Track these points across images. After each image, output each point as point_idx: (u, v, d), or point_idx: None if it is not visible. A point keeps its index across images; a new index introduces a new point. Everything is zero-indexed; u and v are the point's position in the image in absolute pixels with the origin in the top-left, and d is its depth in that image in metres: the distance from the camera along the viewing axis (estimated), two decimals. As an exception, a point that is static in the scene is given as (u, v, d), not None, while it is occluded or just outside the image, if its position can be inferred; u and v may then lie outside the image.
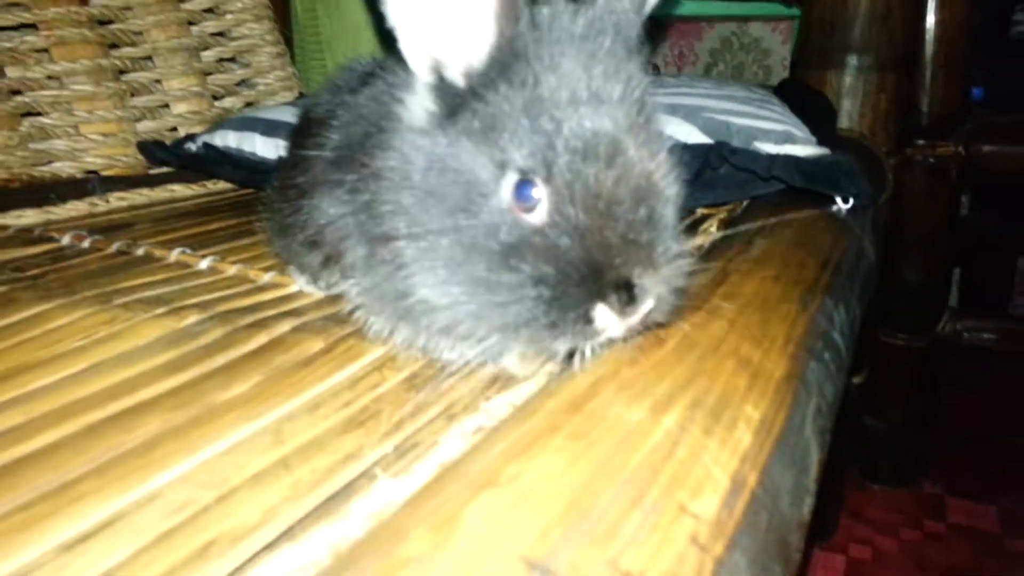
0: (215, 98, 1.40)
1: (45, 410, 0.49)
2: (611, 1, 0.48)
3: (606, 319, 0.41)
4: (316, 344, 0.58)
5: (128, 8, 1.25)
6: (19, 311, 0.65)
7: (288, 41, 1.60)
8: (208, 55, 1.39)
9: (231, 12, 1.42)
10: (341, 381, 0.51)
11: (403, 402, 0.48)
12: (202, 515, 0.37)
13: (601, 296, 0.40)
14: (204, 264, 0.78)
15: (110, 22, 1.23)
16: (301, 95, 1.51)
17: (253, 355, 0.57)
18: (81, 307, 0.66)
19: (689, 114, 0.93)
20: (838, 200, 0.80)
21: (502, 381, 0.50)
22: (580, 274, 0.40)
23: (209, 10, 1.40)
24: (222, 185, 1.19)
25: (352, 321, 0.60)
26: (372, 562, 0.27)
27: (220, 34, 1.43)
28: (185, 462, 0.41)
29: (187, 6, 1.36)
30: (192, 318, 0.63)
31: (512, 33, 0.45)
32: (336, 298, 0.65)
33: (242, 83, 1.46)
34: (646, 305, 0.41)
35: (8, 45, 1.09)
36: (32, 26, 1.12)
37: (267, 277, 0.74)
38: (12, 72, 1.08)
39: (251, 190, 1.13)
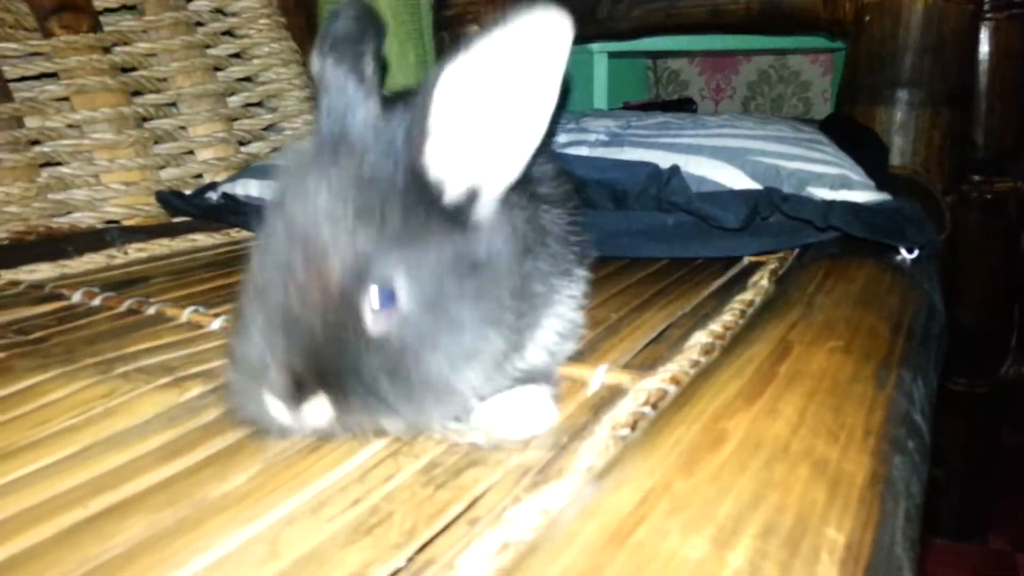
0: (241, 144, 1.37)
1: (23, 506, 0.44)
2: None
3: (276, 409, 0.44)
4: None
5: (152, 55, 1.24)
6: (14, 382, 0.61)
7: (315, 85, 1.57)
8: (234, 100, 1.37)
9: (258, 57, 1.40)
10: (351, 471, 0.46)
11: (419, 500, 0.42)
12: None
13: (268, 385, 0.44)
14: (216, 325, 0.74)
15: (133, 69, 1.21)
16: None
17: (255, 437, 0.51)
18: (80, 377, 0.61)
19: (733, 157, 0.87)
20: (902, 250, 0.73)
21: (532, 476, 0.43)
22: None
23: (236, 55, 1.38)
24: (245, 233, 1.16)
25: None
26: None
27: (247, 79, 1.41)
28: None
29: (213, 51, 1.34)
30: (195, 390, 0.58)
31: None
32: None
33: (269, 128, 1.43)
34: (312, 404, 0.44)
35: (28, 95, 1.07)
36: (53, 75, 1.10)
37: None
38: (31, 122, 1.06)
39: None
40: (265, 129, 1.42)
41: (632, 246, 0.88)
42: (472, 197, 0.47)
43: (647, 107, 2.30)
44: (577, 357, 0.59)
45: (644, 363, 0.60)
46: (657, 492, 0.33)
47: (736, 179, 0.83)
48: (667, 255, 0.90)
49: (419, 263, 0.44)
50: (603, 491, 0.34)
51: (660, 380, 0.53)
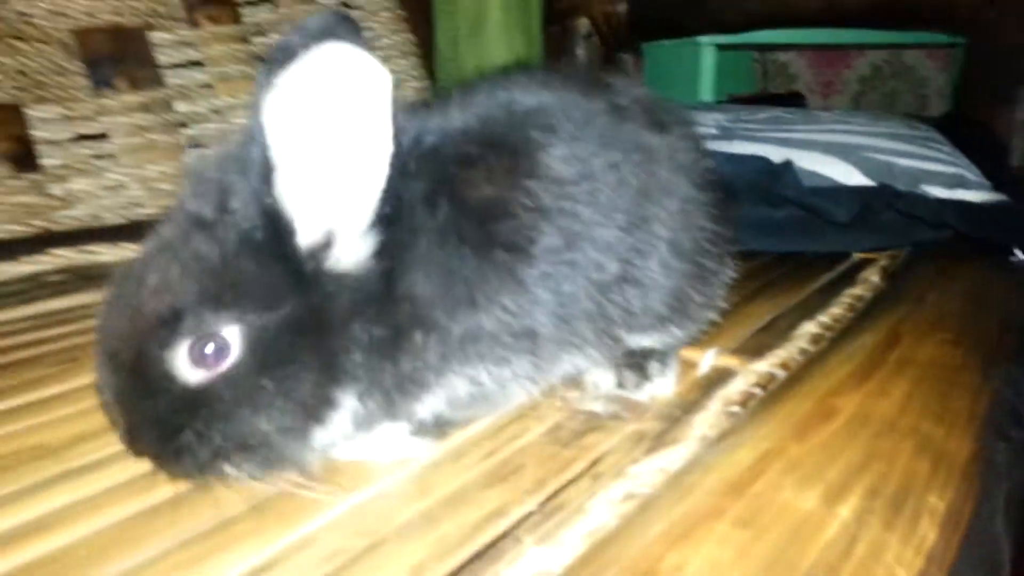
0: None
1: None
2: None
3: None
4: None
5: (287, 46, 1.33)
6: None
7: (432, 76, 1.64)
8: (356, 89, 1.46)
9: (379, 49, 1.48)
10: (483, 429, 0.51)
11: (546, 456, 0.47)
12: (352, 566, 0.37)
13: None
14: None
15: (270, 59, 1.31)
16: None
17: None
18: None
19: (846, 153, 0.88)
20: (1016, 251, 0.73)
21: (648, 442, 0.48)
22: None
23: (359, 46, 1.47)
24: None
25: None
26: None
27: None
28: (336, 507, 0.42)
29: (339, 42, 1.42)
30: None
31: None
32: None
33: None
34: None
35: (178, 82, 1.17)
36: (199, 63, 1.21)
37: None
38: (180, 107, 1.17)
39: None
40: (383, 117, 1.51)
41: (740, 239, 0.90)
42: (328, 242, 0.42)
43: (753, 100, 2.27)
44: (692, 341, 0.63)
45: (752, 349, 0.63)
46: (772, 455, 0.37)
47: (849, 175, 0.85)
48: (775, 249, 0.92)
49: (253, 315, 0.40)
50: (720, 452, 0.39)
51: (769, 364, 0.56)
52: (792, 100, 2.59)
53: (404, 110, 0.45)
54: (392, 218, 0.42)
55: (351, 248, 0.42)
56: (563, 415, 0.52)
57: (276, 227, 0.40)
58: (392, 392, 0.44)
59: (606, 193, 0.48)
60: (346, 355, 0.42)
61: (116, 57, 1.07)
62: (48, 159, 1.00)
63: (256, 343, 0.40)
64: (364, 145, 0.40)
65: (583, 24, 1.76)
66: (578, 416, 0.52)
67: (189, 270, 0.40)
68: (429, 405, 0.46)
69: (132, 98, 1.08)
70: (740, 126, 1.03)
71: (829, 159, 0.87)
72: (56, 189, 1.01)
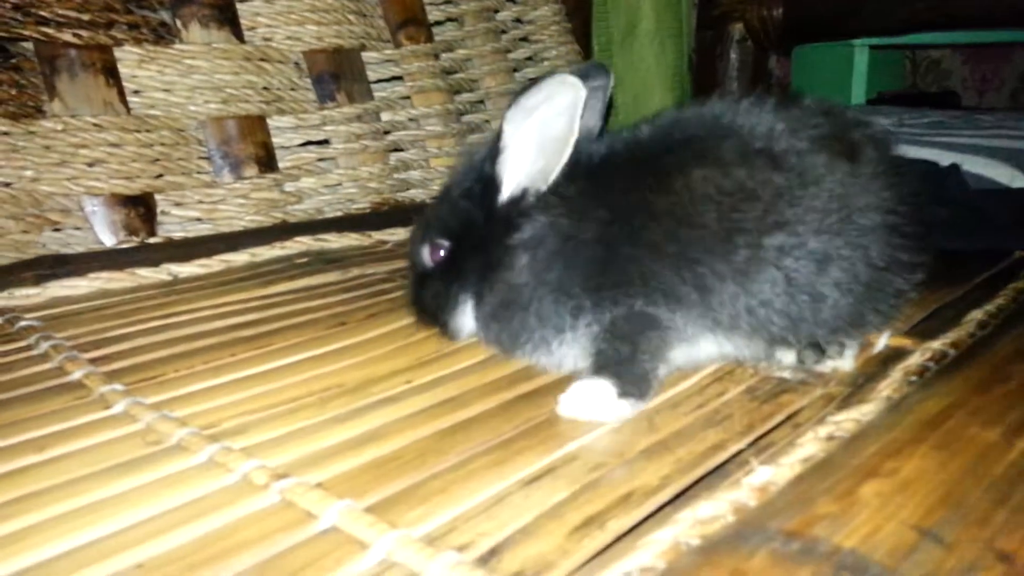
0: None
1: (475, 385, 0.64)
2: None
3: None
4: None
5: (468, 60, 1.48)
6: (385, 324, 0.82)
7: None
8: (526, 96, 1.60)
9: (547, 60, 1.61)
10: (689, 387, 0.62)
11: (749, 409, 0.57)
12: (614, 473, 0.49)
13: None
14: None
15: (455, 72, 1.46)
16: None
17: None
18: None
19: (1011, 157, 0.93)
20: None
21: (838, 402, 0.57)
22: None
23: (529, 58, 1.60)
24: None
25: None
26: (784, 518, 0.37)
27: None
28: (584, 436, 0.54)
29: (512, 55, 1.56)
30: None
31: None
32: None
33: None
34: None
35: (383, 95, 1.34)
36: (399, 78, 1.37)
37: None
38: (385, 116, 1.34)
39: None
40: (549, 121, 1.63)
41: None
42: (523, 195, 0.64)
43: (903, 98, 2.24)
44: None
45: (923, 333, 0.70)
46: (956, 405, 0.46)
47: (1014, 178, 0.89)
48: (937, 246, 0.97)
49: (459, 232, 0.68)
50: (908, 406, 0.48)
51: (941, 344, 0.64)
52: (946, 98, 2.53)
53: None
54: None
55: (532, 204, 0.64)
56: (756, 380, 0.62)
57: (488, 186, 0.66)
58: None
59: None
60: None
61: (336, 74, 1.25)
62: (283, 162, 1.19)
63: (458, 249, 0.68)
64: (556, 140, 0.62)
65: (737, 29, 1.82)
66: (770, 380, 0.62)
67: (435, 209, 0.72)
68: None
69: (350, 110, 1.26)
70: (904, 130, 1.09)
71: (994, 163, 0.92)
72: (289, 187, 1.19)
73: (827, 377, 0.62)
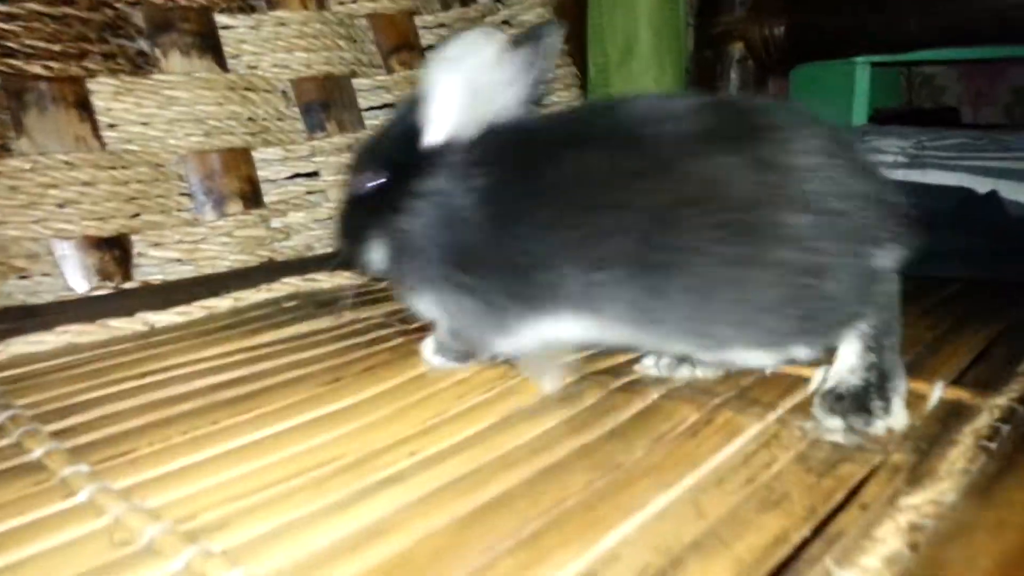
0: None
1: (490, 457, 0.57)
2: None
3: None
4: (692, 413, 0.62)
5: (463, 83, 1.42)
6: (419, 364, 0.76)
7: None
8: (523, 121, 1.53)
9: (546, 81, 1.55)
10: (732, 455, 0.55)
11: (807, 485, 0.50)
12: (662, 579, 0.41)
13: None
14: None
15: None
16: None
17: (635, 420, 0.62)
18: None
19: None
20: None
21: (905, 474, 0.50)
22: None
23: (526, 80, 1.54)
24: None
25: (717, 392, 0.64)
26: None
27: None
28: (623, 525, 0.47)
29: (508, 78, 1.50)
30: (567, 377, 0.70)
31: None
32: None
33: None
34: None
35: (375, 122, 1.28)
36: (391, 105, 1.31)
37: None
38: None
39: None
40: (547, 146, 1.57)
41: (939, 267, 0.91)
42: (442, 147, 0.65)
43: (902, 115, 2.21)
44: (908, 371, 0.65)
45: (979, 381, 0.64)
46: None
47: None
48: (971, 276, 0.91)
49: (387, 168, 0.69)
50: (991, 477, 0.41)
51: (1008, 399, 0.58)
52: (946, 114, 2.50)
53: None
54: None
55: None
56: (806, 445, 0.55)
57: (417, 130, 0.66)
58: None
59: None
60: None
61: (326, 103, 1.18)
62: (269, 196, 1.12)
63: (383, 185, 0.68)
64: (479, 93, 0.62)
65: (738, 48, 1.77)
66: (822, 446, 0.55)
67: (373, 140, 0.75)
68: None
69: (340, 139, 1.19)
70: (928, 154, 1.03)
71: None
72: (276, 222, 1.12)
73: (883, 440, 0.55)
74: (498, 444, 0.58)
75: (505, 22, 1.52)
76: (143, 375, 0.72)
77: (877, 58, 1.99)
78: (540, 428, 0.61)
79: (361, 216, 0.71)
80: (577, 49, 1.71)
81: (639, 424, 0.61)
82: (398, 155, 0.68)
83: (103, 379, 0.72)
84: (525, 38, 0.65)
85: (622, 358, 0.74)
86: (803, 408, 0.61)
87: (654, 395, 0.66)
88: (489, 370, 0.72)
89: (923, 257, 0.93)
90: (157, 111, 1.01)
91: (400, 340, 0.83)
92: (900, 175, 0.98)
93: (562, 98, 1.57)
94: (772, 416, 0.60)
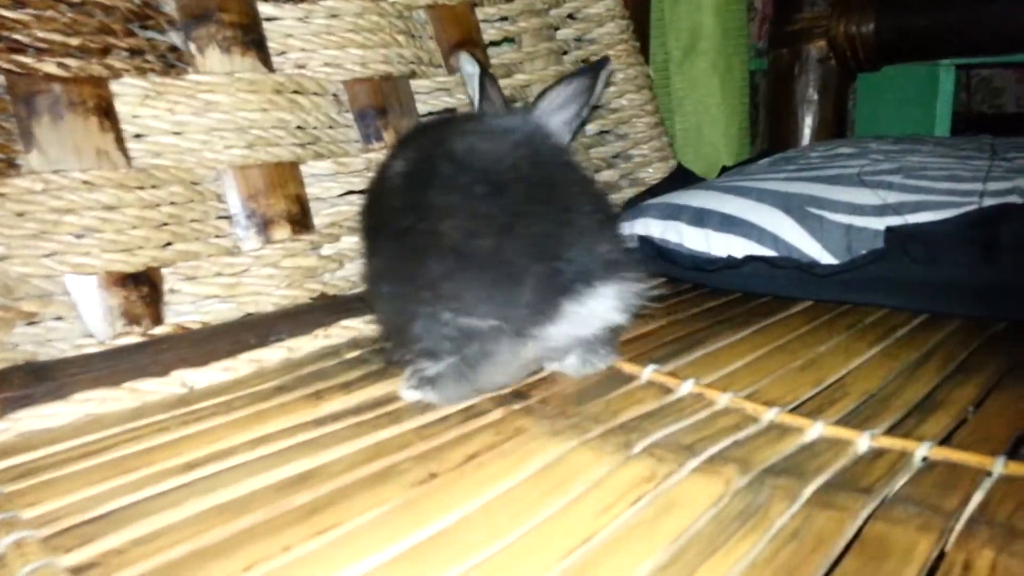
0: (595, 171, 1.36)
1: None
2: None
3: None
4: (926, 541, 0.45)
5: (528, 86, 1.25)
6: (533, 448, 0.60)
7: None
8: (590, 128, 1.37)
9: (614, 84, 1.39)
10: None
11: None
12: None
13: None
14: (685, 388, 0.70)
15: (514, 100, 1.24)
16: (679, 165, 1.44)
17: (860, 553, 0.45)
18: (599, 448, 0.59)
19: None
20: None
21: None
22: None
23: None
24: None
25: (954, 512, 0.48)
26: None
27: (598, 106, 1.39)
28: None
29: (576, 80, 1.34)
30: (734, 477, 0.54)
31: None
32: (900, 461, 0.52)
33: (618, 156, 1.41)
34: None
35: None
36: (452, 110, 1.15)
37: (771, 414, 0.63)
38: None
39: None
40: (615, 157, 1.41)
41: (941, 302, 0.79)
42: None
43: (991, 120, 2.04)
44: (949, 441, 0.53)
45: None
46: None
47: None
48: (982, 314, 0.81)
49: None
50: None
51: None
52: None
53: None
54: None
55: None
56: None
57: None
58: None
59: None
60: None
61: (383, 108, 1.01)
62: (320, 217, 0.96)
63: None
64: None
65: (819, 47, 1.60)
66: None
67: None
68: None
69: (400, 151, 1.02)
70: None
71: None
72: (328, 249, 0.96)
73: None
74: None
75: (570, 15, 1.36)
76: (187, 468, 0.56)
77: (962, 60, 1.82)
78: (735, 563, 0.44)
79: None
80: (642, 46, 1.54)
81: (869, 565, 0.44)
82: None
83: (135, 474, 0.56)
84: (582, 71, 0.78)
85: (788, 445, 0.57)
86: None
87: (861, 509, 0.50)
88: (626, 468, 0.56)
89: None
90: (192, 118, 0.84)
91: (500, 413, 0.66)
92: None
93: (633, 101, 1.40)
94: None
